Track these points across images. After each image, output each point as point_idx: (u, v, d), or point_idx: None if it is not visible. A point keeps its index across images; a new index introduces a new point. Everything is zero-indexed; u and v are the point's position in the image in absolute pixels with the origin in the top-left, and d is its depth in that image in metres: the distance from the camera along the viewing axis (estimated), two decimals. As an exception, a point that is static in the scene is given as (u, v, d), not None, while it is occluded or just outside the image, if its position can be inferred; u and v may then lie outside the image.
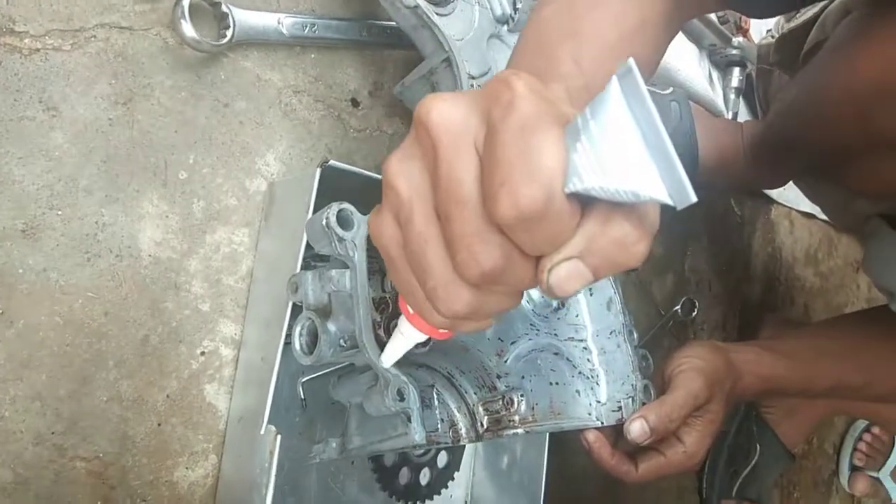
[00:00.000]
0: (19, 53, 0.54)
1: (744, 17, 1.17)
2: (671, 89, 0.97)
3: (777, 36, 1.02)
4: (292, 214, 0.60)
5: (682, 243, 1.11)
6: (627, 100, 0.25)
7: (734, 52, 1.11)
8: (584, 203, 0.28)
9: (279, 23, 0.65)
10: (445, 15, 0.72)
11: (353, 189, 0.63)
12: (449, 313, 0.32)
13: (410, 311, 0.38)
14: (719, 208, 1.18)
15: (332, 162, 0.58)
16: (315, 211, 0.58)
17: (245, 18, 0.63)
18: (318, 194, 0.58)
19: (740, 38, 1.11)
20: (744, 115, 1.17)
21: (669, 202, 0.25)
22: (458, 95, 0.31)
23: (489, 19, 0.78)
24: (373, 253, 0.58)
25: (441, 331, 0.39)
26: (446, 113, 0.30)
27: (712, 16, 1.12)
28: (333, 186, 0.59)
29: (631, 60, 0.25)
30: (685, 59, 1.03)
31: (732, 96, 1.13)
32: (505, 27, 0.79)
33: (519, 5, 0.78)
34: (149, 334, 0.58)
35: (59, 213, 0.55)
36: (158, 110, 0.59)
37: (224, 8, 0.61)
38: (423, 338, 0.41)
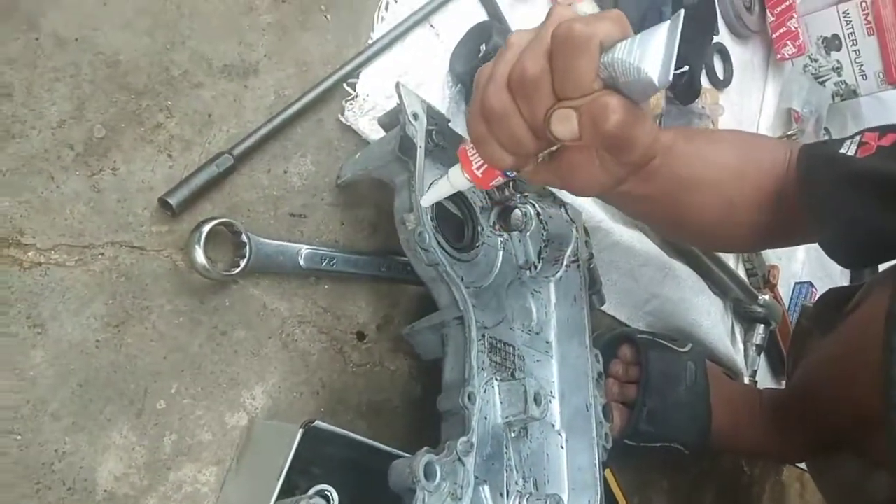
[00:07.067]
0: (19, 266, 0.52)
1: (772, 273, 1.15)
2: (689, 346, 0.94)
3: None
4: (264, 466, 0.56)
5: (686, 501, 1.03)
6: (670, 31, 0.40)
7: (759, 310, 1.08)
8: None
9: (298, 254, 0.64)
10: (467, 261, 0.70)
11: (339, 453, 0.58)
12: (488, 108, 0.46)
13: (467, 150, 0.51)
14: (728, 465, 1.12)
15: (317, 423, 0.54)
16: (288, 474, 0.53)
17: (263, 248, 0.61)
18: (297, 454, 0.53)
19: (766, 297, 1.09)
20: (763, 373, 1.13)
21: (655, 82, 0.40)
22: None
23: (512, 265, 0.76)
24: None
25: (478, 173, 0.51)
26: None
27: (741, 270, 1.11)
28: (318, 444, 0.55)
29: (682, 12, 0.40)
30: (710, 313, 1.01)
31: (753, 353, 1.09)
32: (528, 273, 0.77)
33: (544, 255, 0.77)
34: (82, 580, 0.53)
35: (18, 437, 0.51)
36: (151, 335, 0.57)
37: (243, 237, 0.60)
38: (465, 185, 0.52)
